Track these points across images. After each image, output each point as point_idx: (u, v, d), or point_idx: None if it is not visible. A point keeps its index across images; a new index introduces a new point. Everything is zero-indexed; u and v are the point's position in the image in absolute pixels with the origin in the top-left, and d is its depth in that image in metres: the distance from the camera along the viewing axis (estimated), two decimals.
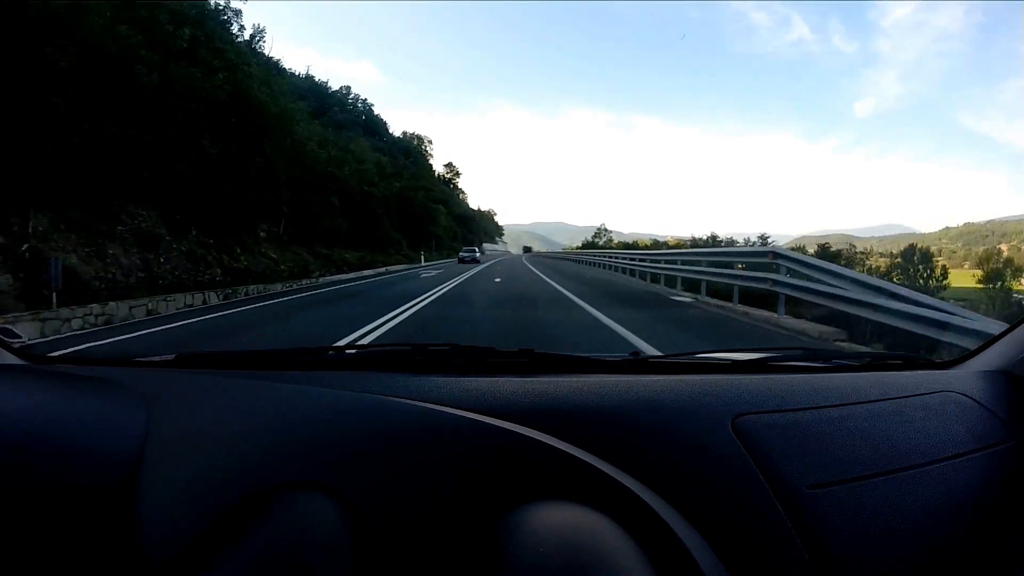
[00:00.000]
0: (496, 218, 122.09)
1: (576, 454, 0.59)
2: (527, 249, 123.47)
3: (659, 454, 0.61)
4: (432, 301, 8.32)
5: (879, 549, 0.56)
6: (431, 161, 73.49)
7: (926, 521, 0.59)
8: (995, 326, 3.52)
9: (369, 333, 5.24)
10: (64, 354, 0.85)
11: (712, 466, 0.60)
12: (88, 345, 5.20)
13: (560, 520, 0.51)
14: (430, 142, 73.13)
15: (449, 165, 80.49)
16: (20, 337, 0.80)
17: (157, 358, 0.85)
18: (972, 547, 0.60)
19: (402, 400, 0.66)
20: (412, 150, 66.61)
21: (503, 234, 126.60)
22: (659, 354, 0.95)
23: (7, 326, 0.80)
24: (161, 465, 0.59)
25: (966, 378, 0.81)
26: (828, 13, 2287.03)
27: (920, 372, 0.86)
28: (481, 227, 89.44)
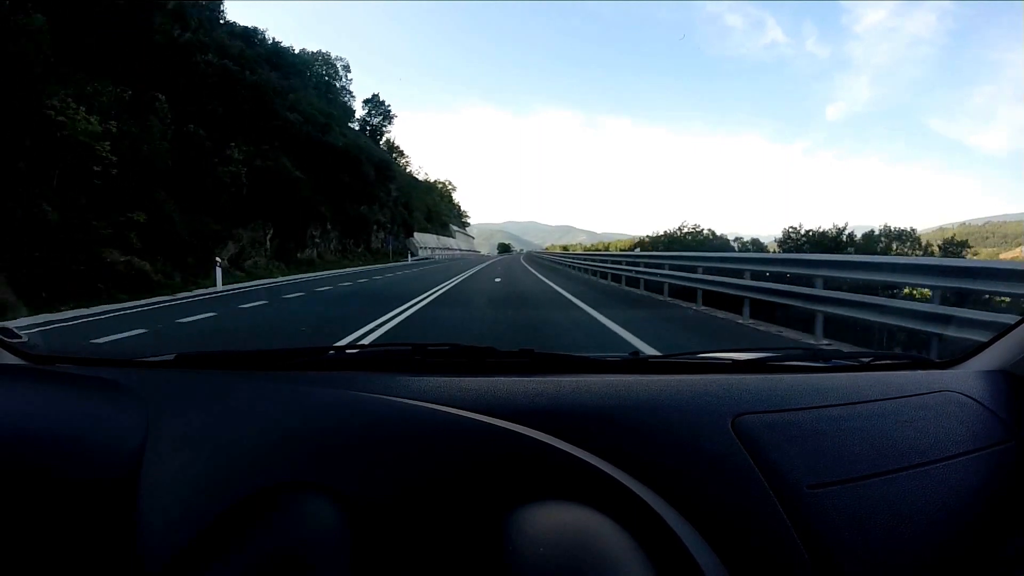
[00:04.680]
0: (455, 195, 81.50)
1: (576, 454, 0.59)
2: (505, 247, 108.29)
3: (659, 454, 0.61)
4: None
5: (879, 549, 0.56)
6: (352, 104, 47.12)
7: (926, 521, 0.59)
8: None
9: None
10: (64, 354, 0.83)
11: (712, 466, 0.60)
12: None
13: (560, 520, 0.51)
14: (347, 68, 46.63)
15: (373, 100, 49.39)
16: (20, 337, 0.79)
17: (157, 358, 0.83)
18: (972, 547, 0.60)
19: (402, 400, 0.66)
20: (317, 80, 41.03)
21: (468, 224, 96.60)
22: (659, 354, 0.94)
23: (7, 326, 0.79)
24: (161, 465, 0.59)
25: (966, 378, 0.80)
26: (802, 17, 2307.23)
27: (920, 372, 0.86)
28: (427, 204, 54.55)
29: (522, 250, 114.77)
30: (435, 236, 52.16)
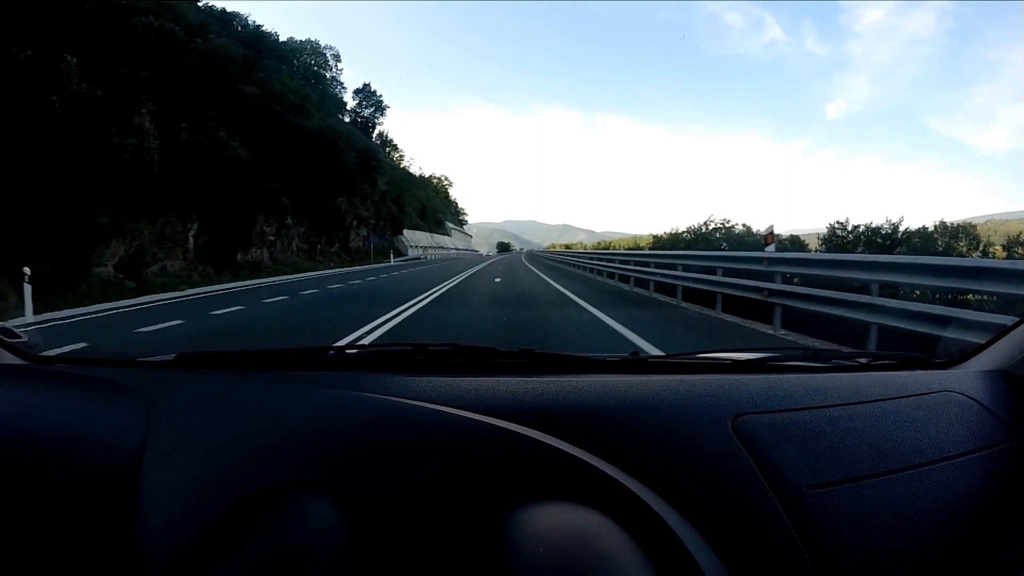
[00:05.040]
0: (452, 191, 78.31)
1: (576, 454, 0.59)
2: (504, 247, 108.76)
3: (659, 454, 0.61)
4: None
5: (879, 549, 0.56)
6: (343, 95, 44.02)
7: (926, 521, 0.59)
8: None
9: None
10: (64, 354, 0.83)
11: (712, 466, 0.60)
12: None
13: (560, 520, 0.52)
14: (337, 57, 43.62)
15: (364, 90, 46.95)
16: (20, 337, 0.78)
17: (157, 358, 0.83)
18: (972, 547, 0.60)
19: (402, 400, 0.66)
20: (305, 70, 38.54)
21: (464, 223, 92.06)
22: (659, 354, 0.94)
23: (7, 326, 0.78)
24: (161, 465, 0.59)
25: (966, 378, 0.80)
26: (802, 16, 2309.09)
27: (920, 372, 0.86)
28: (420, 199, 51.46)
29: (522, 249, 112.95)
30: (428, 234, 48.11)
